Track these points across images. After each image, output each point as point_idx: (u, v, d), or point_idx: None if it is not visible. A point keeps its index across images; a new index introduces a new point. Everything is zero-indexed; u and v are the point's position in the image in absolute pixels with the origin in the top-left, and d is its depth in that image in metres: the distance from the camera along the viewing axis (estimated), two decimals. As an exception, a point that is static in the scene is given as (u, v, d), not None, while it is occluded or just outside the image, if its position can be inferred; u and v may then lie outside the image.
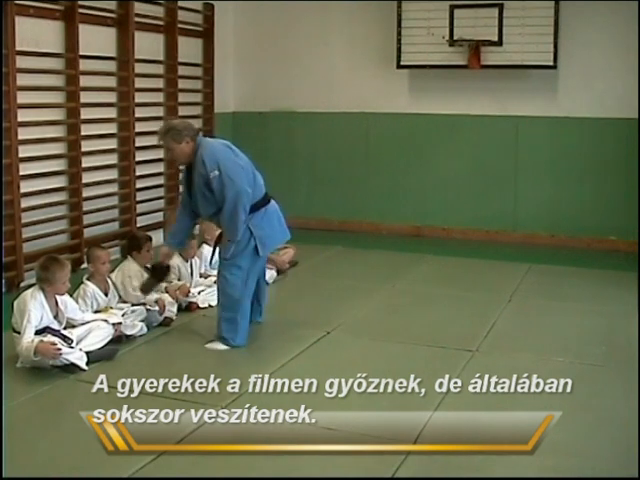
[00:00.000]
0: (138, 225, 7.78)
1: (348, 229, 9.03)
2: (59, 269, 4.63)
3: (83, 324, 4.81)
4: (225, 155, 4.93)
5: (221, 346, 5.07)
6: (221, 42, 9.02)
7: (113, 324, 4.95)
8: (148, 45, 7.88)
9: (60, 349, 4.41)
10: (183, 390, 4.30)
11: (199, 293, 5.97)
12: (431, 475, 3.44)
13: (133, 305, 5.35)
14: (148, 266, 5.52)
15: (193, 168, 4.95)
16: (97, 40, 7.17)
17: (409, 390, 4.40)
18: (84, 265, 6.01)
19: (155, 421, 3.99)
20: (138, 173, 7.81)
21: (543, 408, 4.18)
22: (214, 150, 4.92)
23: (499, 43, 8.10)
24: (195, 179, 4.94)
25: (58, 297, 4.69)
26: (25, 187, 6.42)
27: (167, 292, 5.68)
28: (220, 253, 5.15)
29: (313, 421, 3.90)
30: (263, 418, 3.94)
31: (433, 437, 3.76)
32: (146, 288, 5.37)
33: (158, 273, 5.39)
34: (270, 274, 6.74)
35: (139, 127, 7.72)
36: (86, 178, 7.13)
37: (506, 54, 8.12)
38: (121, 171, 7.67)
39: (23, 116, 6.34)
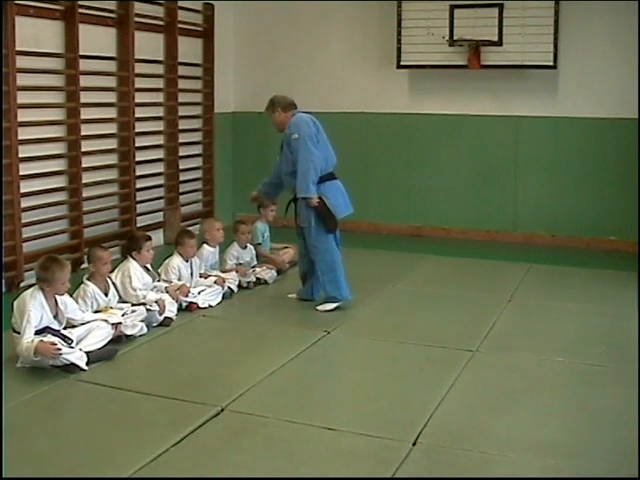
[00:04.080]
0: (138, 225, 7.78)
1: (348, 229, 9.01)
2: (59, 269, 4.63)
3: (83, 324, 4.81)
4: (307, 125, 5.76)
5: (330, 305, 5.85)
6: (221, 42, 9.02)
7: (113, 324, 4.96)
8: (148, 45, 7.88)
9: (60, 349, 4.41)
10: (183, 390, 4.31)
11: (199, 293, 5.96)
12: (431, 475, 3.44)
13: (133, 305, 5.35)
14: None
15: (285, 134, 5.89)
16: (97, 40, 7.17)
17: (409, 390, 4.42)
18: (84, 265, 6.01)
19: (155, 420, 4.01)
20: (138, 173, 7.81)
21: (543, 407, 4.21)
22: (301, 120, 5.82)
23: (499, 43, 8.10)
24: (284, 142, 5.86)
25: (58, 297, 4.69)
26: (25, 187, 6.42)
27: (167, 292, 5.69)
28: (302, 227, 5.90)
29: (313, 421, 3.92)
30: (263, 418, 3.96)
31: (433, 437, 3.77)
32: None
33: None
34: (270, 274, 6.75)
35: (139, 127, 7.72)
36: (86, 178, 7.13)
37: (506, 54, 8.12)
38: (121, 171, 7.67)
39: (23, 116, 6.34)
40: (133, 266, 5.56)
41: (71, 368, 4.48)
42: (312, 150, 5.70)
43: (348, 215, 6.05)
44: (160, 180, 8.34)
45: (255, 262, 6.83)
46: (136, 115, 7.64)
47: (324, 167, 5.78)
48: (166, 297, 5.58)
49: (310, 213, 5.77)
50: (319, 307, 5.89)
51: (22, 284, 6.20)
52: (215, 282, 6.13)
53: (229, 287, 6.25)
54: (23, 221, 6.40)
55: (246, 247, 6.74)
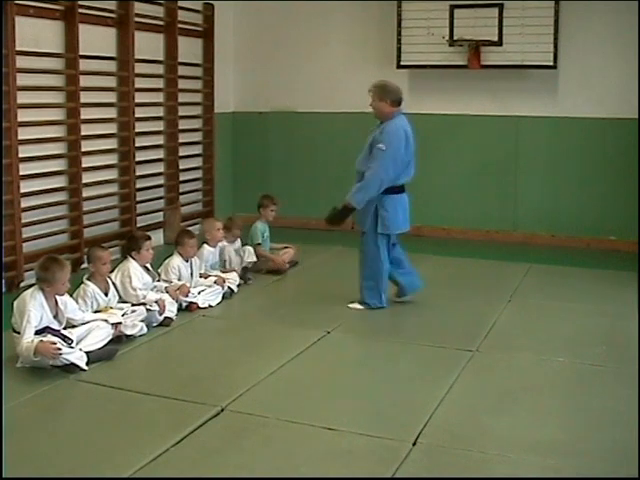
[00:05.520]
0: (138, 225, 7.78)
1: (348, 229, 9.01)
2: (59, 269, 4.63)
3: (83, 324, 4.81)
4: (399, 141, 5.61)
5: (361, 306, 5.90)
6: (221, 42, 9.02)
7: (113, 324, 4.96)
8: (148, 45, 7.88)
9: (60, 349, 4.41)
10: (183, 390, 4.31)
11: (199, 293, 5.96)
12: (431, 475, 3.44)
13: (133, 305, 5.35)
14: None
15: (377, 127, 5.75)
16: (97, 40, 7.17)
17: (409, 390, 4.42)
18: (84, 265, 6.01)
19: (155, 420, 4.01)
20: (138, 173, 7.81)
21: (543, 407, 4.21)
22: (396, 132, 5.63)
23: (499, 43, 8.10)
24: (372, 139, 5.69)
25: (58, 297, 4.69)
26: (25, 187, 6.41)
27: (167, 292, 5.69)
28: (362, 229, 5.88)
29: (313, 421, 3.92)
30: (263, 418, 3.96)
31: (433, 437, 3.77)
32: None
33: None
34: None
35: (139, 127, 7.72)
36: (86, 178, 7.13)
37: (506, 54, 8.12)
38: (121, 171, 7.67)
39: (23, 116, 6.34)
40: (133, 266, 5.56)
41: (71, 368, 4.48)
42: (388, 169, 5.59)
43: (405, 232, 5.96)
44: (160, 180, 8.34)
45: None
46: (136, 115, 7.64)
47: (392, 181, 5.66)
48: (166, 297, 5.58)
49: (368, 216, 5.75)
50: (350, 305, 5.93)
51: (22, 284, 6.20)
52: (215, 282, 6.13)
53: (229, 287, 6.25)
54: (23, 221, 6.40)
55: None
